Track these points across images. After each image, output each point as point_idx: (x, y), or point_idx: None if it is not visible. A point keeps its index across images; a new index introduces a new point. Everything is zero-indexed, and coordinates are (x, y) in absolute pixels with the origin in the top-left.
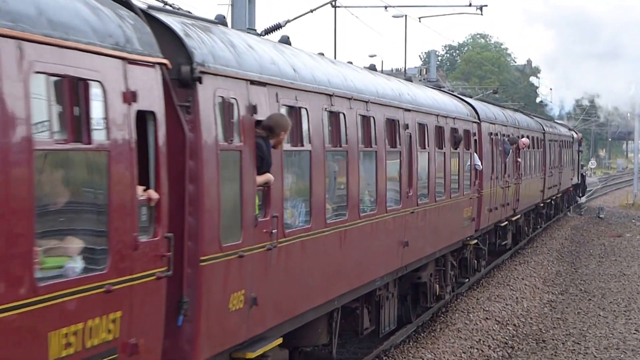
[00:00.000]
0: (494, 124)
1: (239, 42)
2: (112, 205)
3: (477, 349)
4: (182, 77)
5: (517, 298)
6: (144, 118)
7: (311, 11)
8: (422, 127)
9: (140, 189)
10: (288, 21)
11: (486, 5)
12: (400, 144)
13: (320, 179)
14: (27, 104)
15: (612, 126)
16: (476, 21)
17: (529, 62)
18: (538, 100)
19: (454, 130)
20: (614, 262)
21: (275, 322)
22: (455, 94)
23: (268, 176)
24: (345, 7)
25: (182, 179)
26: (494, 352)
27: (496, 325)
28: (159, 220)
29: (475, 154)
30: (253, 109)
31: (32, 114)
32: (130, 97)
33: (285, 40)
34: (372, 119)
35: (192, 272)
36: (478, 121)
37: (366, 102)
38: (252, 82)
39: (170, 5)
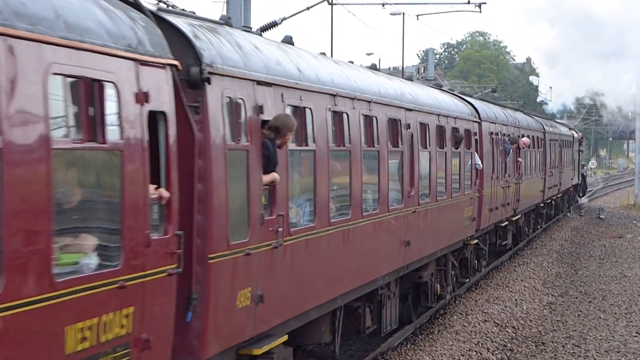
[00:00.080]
0: (495, 123)
1: (245, 42)
2: (126, 204)
3: (475, 351)
4: (192, 78)
5: (516, 300)
6: (154, 118)
7: (307, 9)
8: (423, 126)
9: (152, 187)
10: (284, 19)
11: (485, 3)
12: (402, 144)
13: (324, 179)
14: (45, 105)
15: (613, 125)
16: (475, 19)
17: (529, 60)
18: (539, 99)
19: (455, 130)
20: (614, 263)
21: (281, 319)
22: (455, 93)
23: (274, 175)
24: (342, 4)
25: (191, 178)
26: (492, 354)
27: (495, 328)
28: (169, 218)
29: (475, 153)
30: (259, 109)
31: (50, 114)
32: (142, 97)
33: (288, 40)
34: (374, 119)
35: (201, 269)
36: (479, 121)
37: (369, 102)
38: (259, 83)
39: (171, 6)
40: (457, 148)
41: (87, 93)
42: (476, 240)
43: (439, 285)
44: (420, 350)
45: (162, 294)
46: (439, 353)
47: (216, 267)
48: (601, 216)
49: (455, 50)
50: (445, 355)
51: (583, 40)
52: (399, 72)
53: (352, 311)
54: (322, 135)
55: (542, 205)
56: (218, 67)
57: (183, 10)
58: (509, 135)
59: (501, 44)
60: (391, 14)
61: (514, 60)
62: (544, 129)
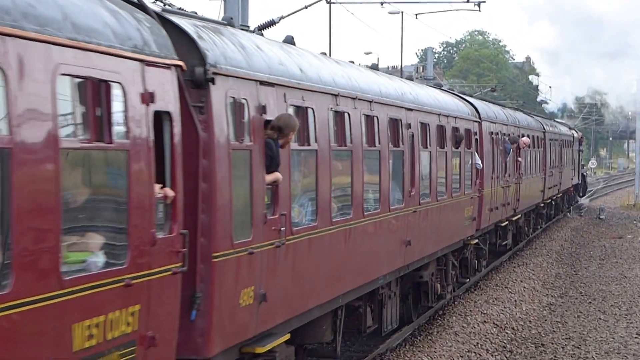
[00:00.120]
0: (495, 123)
1: (248, 43)
2: (132, 203)
3: (474, 352)
4: (196, 78)
5: (515, 301)
6: (160, 118)
7: (305, 7)
8: (424, 126)
9: (157, 186)
10: (282, 17)
11: (484, 1)
12: (402, 143)
13: (326, 178)
14: (53, 105)
15: (613, 125)
16: (474, 17)
17: (528, 59)
18: (538, 99)
19: (455, 130)
20: (614, 264)
21: (283, 318)
22: (456, 92)
23: (277, 175)
24: (340, 3)
25: (196, 177)
26: (492, 356)
27: (494, 329)
28: (174, 217)
29: (475, 153)
30: (262, 109)
31: (58, 114)
32: (148, 97)
33: (290, 40)
34: (375, 119)
35: (205, 268)
36: (479, 120)
37: (370, 101)
38: (262, 83)
39: (170, 6)
40: (457, 148)
41: (94, 93)
42: (476, 240)
43: (439, 285)
44: (419, 351)
45: (168, 292)
46: (438, 354)
47: (220, 266)
48: (601, 216)
49: (455, 49)
50: (444, 356)
51: (583, 40)
52: (398, 72)
53: (353, 310)
54: (324, 135)
55: (542, 205)
56: (222, 67)
57: (181, 9)
58: (509, 134)
59: (500, 43)
60: (390, 13)
61: (514, 59)
62: (544, 129)
